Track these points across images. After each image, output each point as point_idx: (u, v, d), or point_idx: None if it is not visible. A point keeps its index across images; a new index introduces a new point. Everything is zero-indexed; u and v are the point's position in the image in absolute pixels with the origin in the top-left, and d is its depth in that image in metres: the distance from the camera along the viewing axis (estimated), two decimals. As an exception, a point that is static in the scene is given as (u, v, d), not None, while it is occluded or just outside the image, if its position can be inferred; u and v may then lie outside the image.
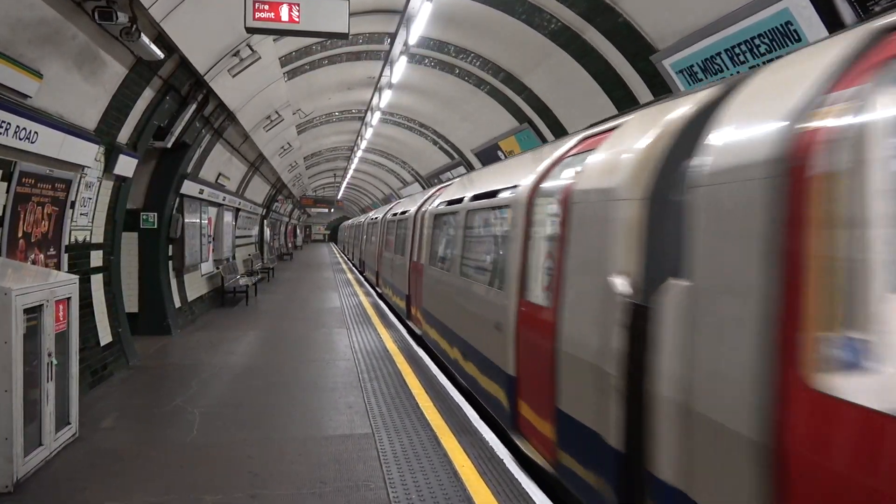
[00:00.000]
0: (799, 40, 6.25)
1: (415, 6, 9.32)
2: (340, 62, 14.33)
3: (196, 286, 13.22)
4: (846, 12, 5.67)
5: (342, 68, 14.85)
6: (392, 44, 12.02)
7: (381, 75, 14.14)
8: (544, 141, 12.47)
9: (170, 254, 11.44)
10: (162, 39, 7.09)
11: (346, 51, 13.49)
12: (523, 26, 10.04)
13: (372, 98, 16.21)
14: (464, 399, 6.71)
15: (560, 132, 11.77)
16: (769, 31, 6.51)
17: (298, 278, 23.20)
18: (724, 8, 6.81)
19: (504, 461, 4.90)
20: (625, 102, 9.21)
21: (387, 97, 15.10)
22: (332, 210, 54.70)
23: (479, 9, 10.22)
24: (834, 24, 5.75)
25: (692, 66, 7.73)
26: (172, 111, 9.29)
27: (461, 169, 19.44)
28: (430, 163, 23.59)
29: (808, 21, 6.06)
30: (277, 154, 18.26)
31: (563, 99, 11.47)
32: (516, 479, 4.54)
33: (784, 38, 6.41)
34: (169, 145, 9.69)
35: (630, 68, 8.82)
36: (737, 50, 7.00)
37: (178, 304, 11.61)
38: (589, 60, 9.55)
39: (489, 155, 16.00)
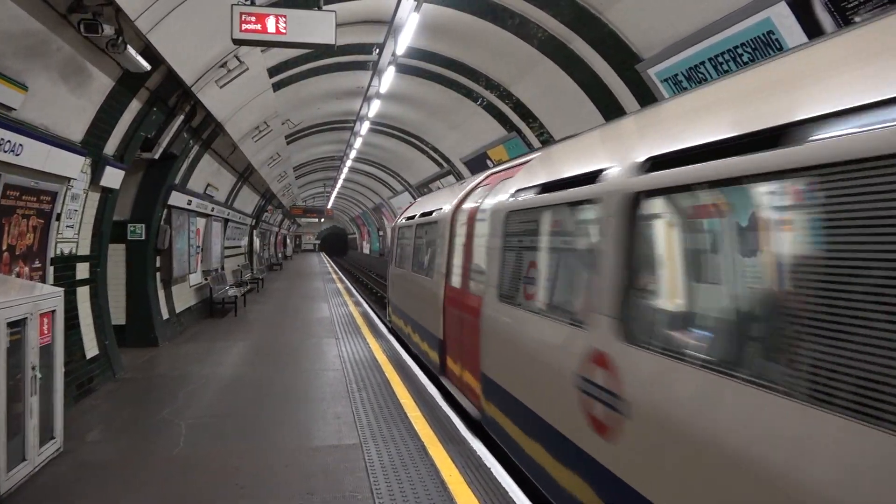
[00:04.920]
0: (781, 49, 6.33)
1: (402, 17, 9.36)
2: (329, 72, 14.36)
3: (184, 297, 13.16)
4: (826, 21, 5.75)
5: (331, 78, 14.89)
6: (380, 54, 12.06)
7: (369, 85, 14.17)
8: (532, 149, 12.53)
9: (157, 265, 11.39)
10: (149, 51, 7.09)
11: (334, 61, 13.52)
12: (510, 36, 10.11)
13: (361, 108, 16.24)
14: (452, 409, 6.71)
15: (548, 140, 11.84)
16: (751, 40, 6.59)
17: (288, 288, 23.14)
18: (708, 18, 6.88)
19: (492, 470, 4.91)
20: (611, 111, 9.28)
21: (375, 107, 15.13)
22: (322, 220, 54.68)
23: (467, 19, 10.28)
24: (814, 32, 5.82)
25: (676, 74, 7.81)
26: (160, 122, 9.28)
27: (451, 178, 19.48)
28: (419, 172, 23.64)
29: (790, 30, 6.14)
30: (266, 164, 18.25)
31: (550, 108, 11.54)
32: (503, 488, 4.54)
33: (766, 46, 6.49)
34: (157, 156, 9.68)
35: (616, 77, 8.89)
36: (720, 59, 7.08)
37: (165, 315, 11.55)
38: (575, 70, 9.63)
39: (479, 163, 16.05)
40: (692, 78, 7.62)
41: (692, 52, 7.39)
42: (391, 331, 12.63)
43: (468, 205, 7.31)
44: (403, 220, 12.18)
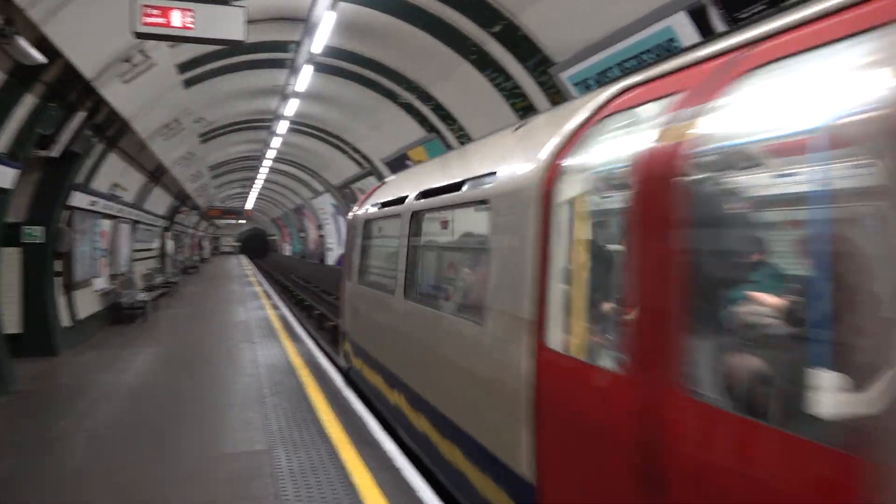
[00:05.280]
0: (682, 56, 6.61)
1: (318, 14, 9.22)
2: (245, 70, 13.98)
3: (88, 303, 12.49)
4: (721, 29, 6.06)
5: (246, 76, 14.50)
6: (297, 52, 11.85)
7: (286, 84, 13.89)
8: (450, 149, 12.63)
9: (58, 269, 10.75)
10: (45, 43, 6.68)
11: (250, 58, 13.19)
12: (428, 37, 10.14)
13: (278, 107, 15.90)
14: (367, 411, 6.64)
15: (466, 142, 11.95)
16: (655, 46, 6.87)
17: (203, 292, 22.42)
18: (615, 24, 7.13)
19: (402, 471, 4.89)
20: (527, 113, 9.46)
21: (293, 106, 14.87)
22: (242, 221, 53.29)
23: (385, 19, 10.24)
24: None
25: (587, 79, 8.04)
26: (59, 118, 8.77)
27: (372, 179, 19.36)
28: (340, 172, 23.39)
29: (690, 38, 6.44)
30: (179, 163, 17.60)
31: (469, 110, 11.66)
32: (412, 489, 4.53)
33: (668, 52, 6.78)
34: (56, 155, 9.14)
35: (530, 80, 9.07)
36: (626, 65, 7.33)
37: (67, 322, 10.93)
38: (492, 72, 9.76)
39: (399, 164, 16.04)
40: (601, 82, 7.86)
41: (602, 56, 7.63)
42: (348, 380, 8.17)
43: (609, 154, 3.16)
44: (375, 209, 7.37)
